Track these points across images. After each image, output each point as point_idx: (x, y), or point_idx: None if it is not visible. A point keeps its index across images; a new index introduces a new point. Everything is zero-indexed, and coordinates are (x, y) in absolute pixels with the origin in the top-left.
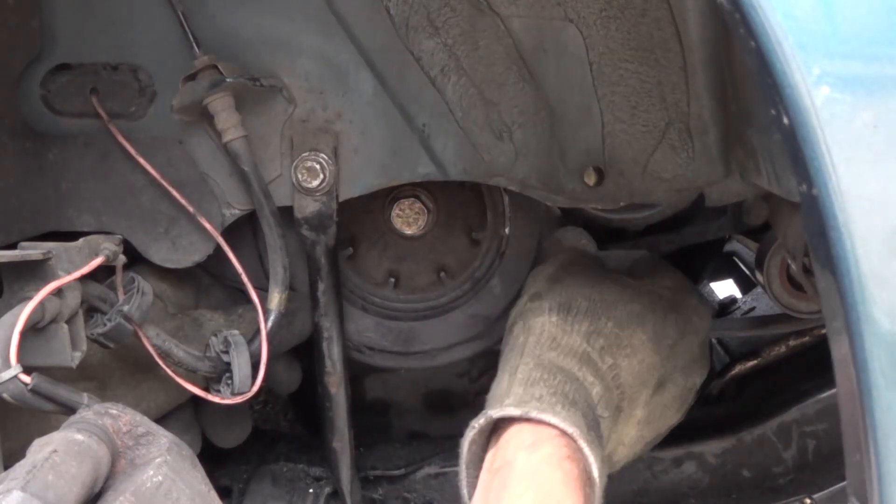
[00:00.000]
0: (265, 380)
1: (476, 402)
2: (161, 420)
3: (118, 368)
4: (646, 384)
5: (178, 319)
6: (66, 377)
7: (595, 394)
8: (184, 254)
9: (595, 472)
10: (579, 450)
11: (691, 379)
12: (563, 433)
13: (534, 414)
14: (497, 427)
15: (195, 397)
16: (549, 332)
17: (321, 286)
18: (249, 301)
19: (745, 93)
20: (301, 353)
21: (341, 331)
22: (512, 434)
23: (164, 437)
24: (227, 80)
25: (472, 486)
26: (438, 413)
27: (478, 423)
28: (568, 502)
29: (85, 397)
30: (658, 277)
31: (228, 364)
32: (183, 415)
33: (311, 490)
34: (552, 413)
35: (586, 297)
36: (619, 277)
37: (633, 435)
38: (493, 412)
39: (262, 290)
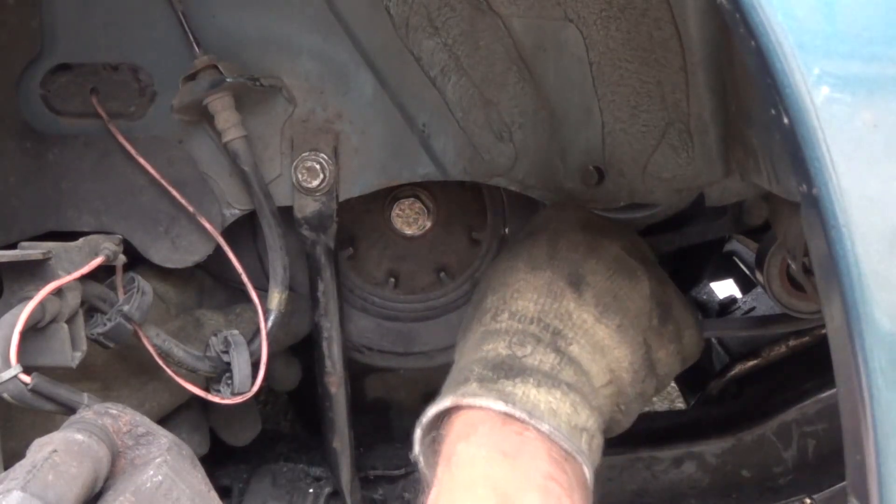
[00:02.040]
0: (265, 379)
1: None
2: (170, 420)
3: (122, 370)
4: (557, 296)
5: (181, 320)
6: (70, 379)
7: (501, 348)
8: (184, 254)
9: (500, 406)
10: (473, 409)
11: (607, 249)
12: (455, 409)
13: (418, 428)
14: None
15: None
16: (456, 355)
17: (321, 286)
18: (249, 300)
19: (745, 93)
20: (301, 351)
21: (341, 331)
22: (453, 422)
23: (164, 437)
24: (227, 79)
25: (430, 471)
26: None
27: (421, 421)
28: (491, 478)
29: (85, 397)
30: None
31: (228, 364)
32: (191, 414)
33: (311, 490)
34: (434, 407)
35: (472, 302)
36: (498, 258)
37: (605, 333)
38: (432, 409)
39: (262, 290)
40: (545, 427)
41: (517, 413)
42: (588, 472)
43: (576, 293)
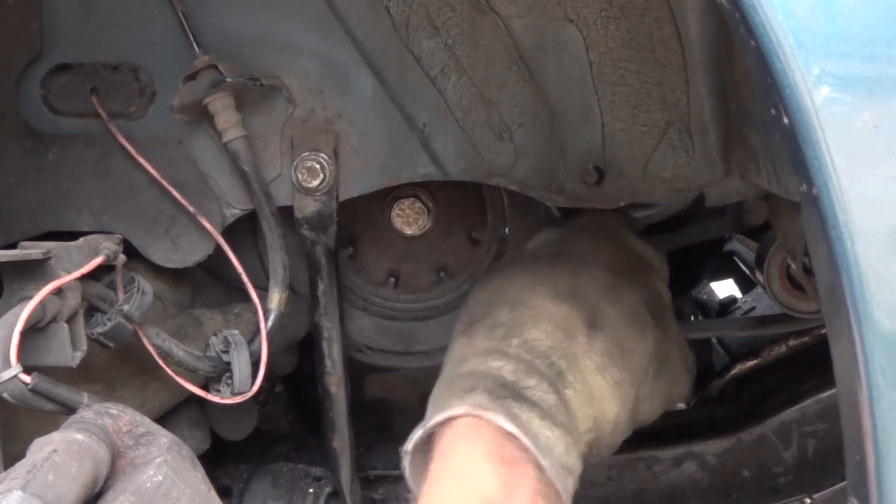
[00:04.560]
0: (265, 379)
1: None
2: (169, 416)
3: (123, 370)
4: (570, 335)
5: (180, 318)
6: (71, 380)
7: (507, 372)
8: (184, 254)
9: (508, 426)
10: (481, 418)
11: (627, 296)
12: (464, 416)
13: (430, 424)
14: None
15: None
16: (455, 355)
17: (321, 286)
18: (246, 299)
19: (745, 93)
20: (301, 350)
21: (341, 331)
22: (434, 444)
23: (164, 437)
24: (227, 79)
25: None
26: None
27: (403, 465)
28: (485, 477)
29: (85, 397)
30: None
31: (228, 364)
32: (191, 411)
33: (311, 490)
34: (448, 410)
35: (480, 302)
36: (519, 259)
37: (601, 385)
38: (406, 448)
39: (262, 290)
40: (544, 462)
41: (522, 438)
42: None
43: (587, 337)
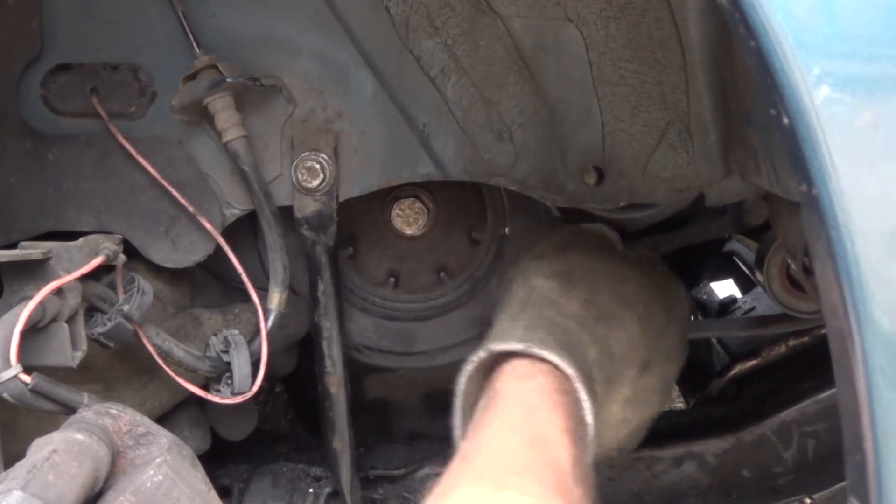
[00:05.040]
0: (265, 379)
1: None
2: (170, 417)
3: (123, 370)
4: (632, 362)
5: (179, 318)
6: (71, 380)
7: (590, 354)
8: (184, 254)
9: (588, 416)
10: (573, 391)
11: (673, 366)
12: (560, 372)
13: (535, 350)
14: (495, 365)
15: None
16: (548, 292)
17: (321, 286)
18: (245, 299)
19: (745, 93)
20: (301, 350)
21: (341, 331)
22: (508, 368)
23: (164, 437)
24: (227, 79)
25: (465, 417)
26: (438, 413)
27: (477, 356)
28: (553, 424)
29: (85, 397)
30: (649, 264)
31: (228, 364)
32: (191, 411)
33: (311, 490)
34: (552, 351)
35: (586, 268)
36: (618, 257)
37: (617, 415)
38: (494, 346)
39: (262, 290)
40: (585, 400)
41: (591, 430)
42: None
43: (635, 374)
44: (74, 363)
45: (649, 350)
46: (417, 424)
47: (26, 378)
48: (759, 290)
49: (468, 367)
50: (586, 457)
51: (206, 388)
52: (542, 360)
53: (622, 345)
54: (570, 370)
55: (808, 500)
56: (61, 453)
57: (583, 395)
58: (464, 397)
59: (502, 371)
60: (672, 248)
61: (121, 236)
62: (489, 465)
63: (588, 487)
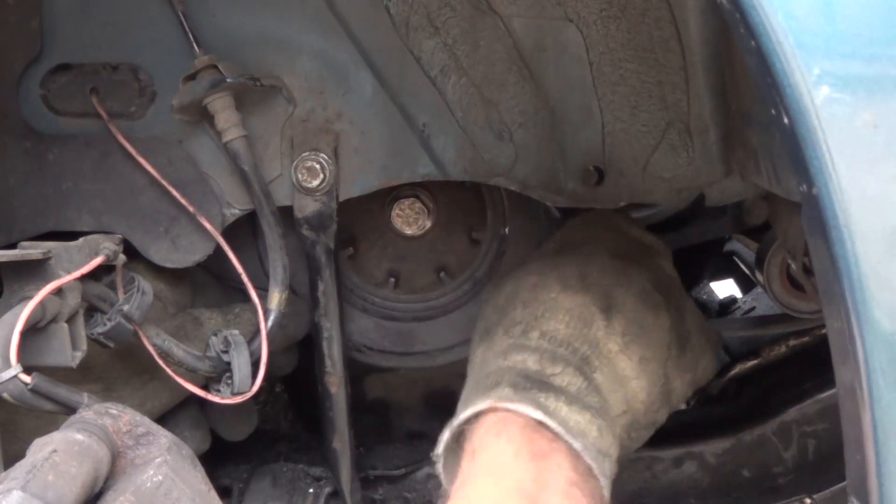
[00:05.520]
0: (265, 379)
1: None
2: (170, 417)
3: (123, 370)
4: (587, 322)
5: (179, 318)
6: (71, 380)
7: (531, 363)
8: (184, 254)
9: (536, 414)
10: (507, 411)
11: (635, 279)
12: (490, 411)
13: (456, 423)
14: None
15: None
16: (477, 360)
17: (321, 286)
18: (245, 299)
19: (745, 93)
20: (301, 350)
21: (341, 331)
22: (480, 425)
23: (164, 437)
24: (227, 79)
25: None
26: (438, 413)
27: (449, 428)
28: (517, 472)
29: (85, 397)
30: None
31: (228, 364)
32: (192, 411)
33: (311, 490)
34: (472, 407)
35: (493, 309)
36: (523, 263)
37: (627, 365)
38: (437, 451)
39: (262, 290)
40: (577, 444)
41: (551, 424)
42: (607, 495)
43: (605, 321)
44: (74, 363)
45: (598, 296)
46: (417, 424)
47: (26, 378)
48: (759, 290)
49: (438, 452)
50: (558, 459)
51: (206, 388)
52: (477, 415)
53: (562, 325)
54: (488, 402)
55: (808, 500)
56: (61, 453)
57: (512, 406)
58: (444, 467)
59: (476, 429)
60: (672, 248)
61: (121, 236)
62: None
63: (578, 487)
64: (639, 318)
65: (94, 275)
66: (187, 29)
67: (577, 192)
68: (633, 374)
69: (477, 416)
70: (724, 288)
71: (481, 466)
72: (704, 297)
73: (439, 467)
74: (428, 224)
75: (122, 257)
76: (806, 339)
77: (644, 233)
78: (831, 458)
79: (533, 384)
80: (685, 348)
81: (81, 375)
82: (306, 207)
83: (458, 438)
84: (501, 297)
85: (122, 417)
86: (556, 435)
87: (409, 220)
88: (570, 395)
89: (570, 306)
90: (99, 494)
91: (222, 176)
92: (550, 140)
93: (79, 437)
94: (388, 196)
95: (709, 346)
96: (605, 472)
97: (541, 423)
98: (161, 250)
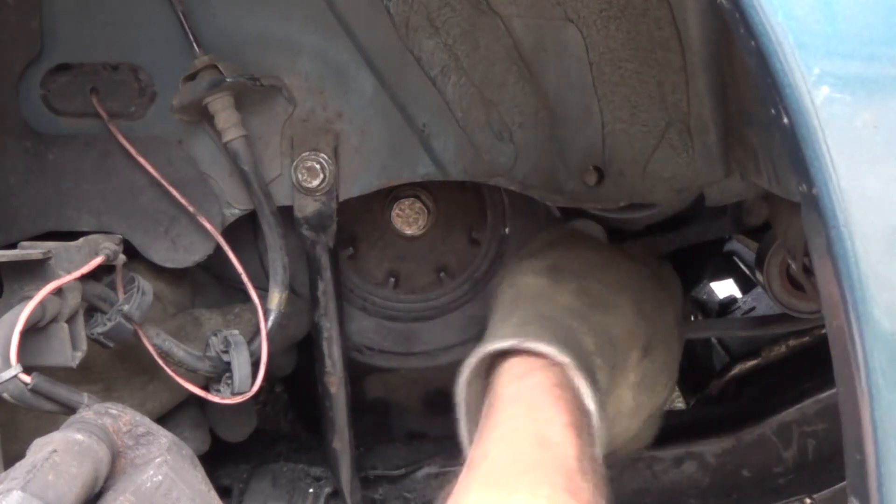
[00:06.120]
0: (265, 379)
1: None
2: (170, 418)
3: (123, 370)
4: (633, 345)
5: (179, 319)
6: (70, 380)
7: (588, 344)
8: (184, 254)
9: (589, 404)
10: (570, 380)
11: (673, 345)
12: (555, 363)
13: (528, 345)
14: (492, 366)
15: None
16: (538, 289)
17: (321, 286)
18: (245, 299)
19: (745, 93)
20: (301, 350)
21: (341, 331)
22: (505, 368)
23: (164, 437)
24: (227, 79)
25: (470, 425)
26: (438, 413)
27: (472, 360)
28: (555, 420)
29: (85, 397)
30: (639, 251)
31: (228, 364)
32: (192, 412)
33: (311, 490)
34: (546, 343)
35: (575, 259)
36: (608, 246)
37: (629, 401)
38: (488, 347)
39: (262, 290)
40: (598, 449)
41: (595, 420)
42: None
43: (640, 357)
44: (74, 363)
45: (648, 332)
46: (417, 424)
47: (26, 378)
48: (759, 290)
49: (465, 372)
50: (593, 447)
51: (206, 388)
52: (538, 354)
53: (621, 330)
54: (565, 359)
55: (808, 500)
56: (61, 453)
57: (580, 384)
58: (465, 405)
59: (500, 372)
60: (672, 248)
61: (121, 236)
62: (497, 469)
63: (598, 479)
64: (657, 377)
65: (94, 275)
66: (187, 29)
67: (577, 192)
68: (625, 413)
69: (529, 353)
70: (724, 288)
71: (531, 430)
72: (704, 297)
73: (465, 376)
74: (428, 224)
75: (122, 257)
76: (806, 339)
77: (672, 272)
78: (831, 458)
79: (585, 364)
80: (664, 404)
81: (81, 375)
82: (306, 207)
83: (489, 362)
84: (584, 257)
85: (122, 417)
86: (591, 429)
87: (409, 220)
88: (599, 392)
89: (630, 323)
90: (99, 494)
91: (222, 176)
92: (550, 140)
93: (79, 437)
94: (388, 196)
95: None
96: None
97: (586, 411)
98: (161, 250)
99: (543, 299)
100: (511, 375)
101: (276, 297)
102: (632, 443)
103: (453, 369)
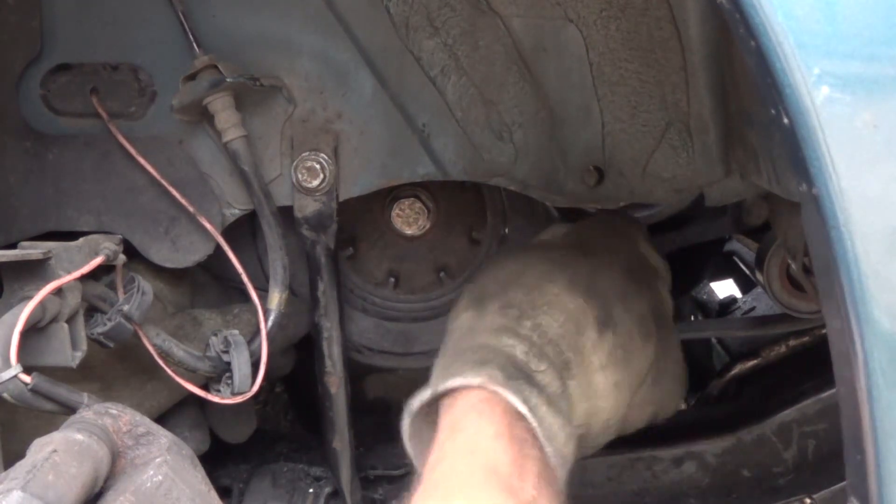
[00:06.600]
0: (265, 379)
1: None
2: (170, 417)
3: (122, 370)
4: (581, 329)
5: (179, 318)
6: (70, 379)
7: (519, 352)
8: (184, 254)
9: (521, 408)
10: (495, 393)
11: (637, 303)
12: (477, 388)
13: (444, 385)
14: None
15: None
16: (466, 324)
17: (321, 286)
18: (245, 299)
19: (745, 93)
20: (301, 350)
21: (341, 331)
22: (441, 410)
23: (164, 437)
24: (227, 79)
25: (416, 451)
26: None
27: (405, 421)
28: (484, 430)
29: (85, 397)
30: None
31: (228, 364)
32: (191, 412)
33: (311, 490)
34: (460, 377)
35: (494, 280)
36: (535, 246)
37: (602, 383)
38: (413, 404)
39: (262, 291)
40: (548, 448)
41: (532, 422)
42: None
43: (597, 334)
44: (74, 363)
45: (600, 305)
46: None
47: (26, 378)
48: (759, 290)
49: (405, 430)
50: (536, 448)
51: (205, 388)
52: (455, 389)
53: (558, 323)
54: (476, 380)
55: (808, 500)
56: (61, 453)
57: (506, 393)
58: (413, 451)
59: (439, 414)
60: (672, 248)
61: (121, 236)
62: (431, 487)
63: (544, 478)
64: (628, 343)
65: (94, 275)
66: (187, 29)
67: (577, 192)
68: (603, 394)
69: (455, 389)
70: (724, 288)
71: (460, 442)
72: (704, 297)
73: (405, 426)
74: (428, 224)
75: (122, 257)
76: (806, 339)
77: (652, 251)
78: (831, 458)
79: (521, 375)
80: (658, 383)
81: (81, 375)
82: (306, 207)
83: (431, 405)
84: (505, 272)
85: (122, 417)
86: (532, 432)
87: (409, 220)
88: (548, 396)
89: (570, 308)
90: (99, 494)
91: (222, 176)
92: (550, 140)
93: (79, 437)
94: (388, 196)
95: (678, 385)
96: (562, 480)
97: (521, 417)
98: (161, 250)
99: (467, 334)
100: (445, 413)
101: (275, 298)
102: (637, 416)
103: None
